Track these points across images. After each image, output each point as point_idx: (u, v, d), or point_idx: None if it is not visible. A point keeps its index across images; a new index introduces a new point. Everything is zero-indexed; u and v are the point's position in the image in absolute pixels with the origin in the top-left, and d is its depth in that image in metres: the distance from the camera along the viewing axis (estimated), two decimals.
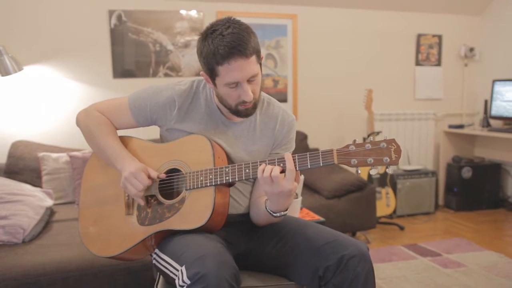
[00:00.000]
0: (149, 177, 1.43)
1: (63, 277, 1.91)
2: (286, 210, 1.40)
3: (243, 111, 1.42)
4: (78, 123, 1.59)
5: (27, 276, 1.87)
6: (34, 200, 2.37)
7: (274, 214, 1.39)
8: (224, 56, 1.29)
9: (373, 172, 1.27)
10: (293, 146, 1.60)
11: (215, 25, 1.34)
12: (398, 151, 1.22)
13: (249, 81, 1.36)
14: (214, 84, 1.39)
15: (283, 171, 1.29)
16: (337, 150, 1.26)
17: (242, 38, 1.30)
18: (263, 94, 1.57)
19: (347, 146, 1.26)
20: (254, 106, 1.43)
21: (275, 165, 1.30)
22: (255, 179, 1.52)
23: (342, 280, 1.31)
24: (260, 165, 1.32)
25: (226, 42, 1.29)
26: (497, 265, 2.85)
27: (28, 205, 2.28)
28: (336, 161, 1.26)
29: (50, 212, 2.58)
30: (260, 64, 1.40)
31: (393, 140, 1.23)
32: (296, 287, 1.46)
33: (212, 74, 1.36)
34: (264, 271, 1.50)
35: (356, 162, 1.25)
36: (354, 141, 1.27)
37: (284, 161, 1.29)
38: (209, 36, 1.33)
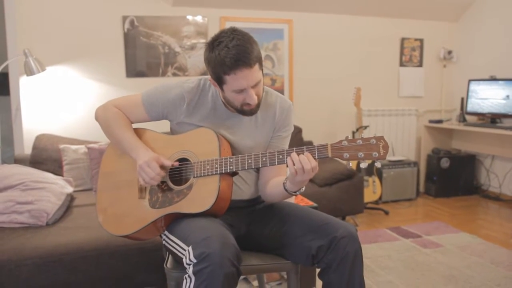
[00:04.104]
0: (163, 165, 1.43)
1: (83, 256, 1.91)
2: (303, 187, 1.38)
3: (248, 111, 1.41)
4: (96, 117, 1.58)
5: (51, 255, 1.87)
6: (56, 187, 2.36)
7: (295, 193, 1.39)
8: (231, 67, 1.28)
9: (363, 165, 1.27)
10: (292, 128, 1.59)
11: (220, 36, 1.32)
12: (386, 147, 1.22)
13: (253, 86, 1.35)
14: (222, 89, 1.38)
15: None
16: (331, 145, 1.26)
17: (246, 49, 1.28)
18: None
19: (340, 141, 1.26)
20: (258, 105, 1.43)
21: (275, 158, 1.31)
22: (258, 168, 1.53)
23: (333, 258, 1.32)
24: (261, 158, 1.33)
25: (232, 55, 1.27)
26: (470, 245, 2.87)
27: (51, 192, 2.28)
28: (330, 155, 1.26)
29: (71, 198, 2.58)
30: (262, 69, 1.39)
31: (382, 137, 1.23)
32: (291, 266, 1.47)
33: (219, 81, 1.35)
34: (263, 251, 1.51)
35: (348, 156, 1.24)
36: (347, 137, 1.27)
37: (283, 153, 1.31)
38: (215, 47, 1.31)
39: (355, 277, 1.32)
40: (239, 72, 1.29)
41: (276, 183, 1.46)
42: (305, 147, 1.29)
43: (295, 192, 1.38)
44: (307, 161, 1.25)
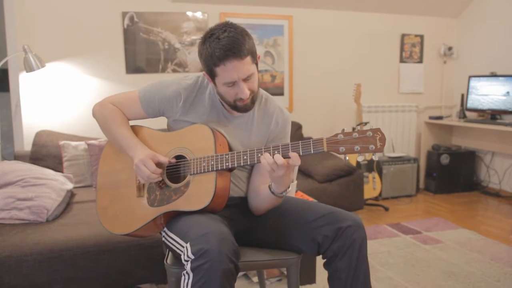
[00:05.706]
0: (159, 162, 1.42)
1: (83, 252, 1.91)
2: (289, 187, 1.37)
3: (242, 106, 1.40)
4: (94, 114, 1.58)
5: (52, 251, 1.87)
6: (56, 183, 2.36)
7: (280, 195, 1.37)
8: (220, 58, 1.28)
9: (360, 159, 1.24)
10: (288, 140, 1.57)
11: (213, 29, 1.32)
12: (383, 139, 1.20)
13: (245, 80, 1.34)
14: (214, 83, 1.38)
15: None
16: (326, 139, 1.24)
17: (236, 41, 1.28)
18: (262, 91, 1.55)
19: (336, 135, 1.23)
20: (252, 101, 1.41)
21: (270, 153, 1.28)
22: (252, 166, 1.51)
23: (340, 246, 1.32)
24: (256, 154, 1.31)
25: (221, 45, 1.27)
26: (470, 241, 2.86)
27: (51, 188, 2.28)
28: (325, 149, 1.24)
29: (71, 194, 2.58)
30: (256, 64, 1.38)
31: (378, 129, 1.20)
32: (292, 261, 1.45)
33: (211, 74, 1.35)
34: (265, 246, 1.50)
35: (344, 149, 1.22)
36: (343, 130, 1.24)
37: (278, 148, 1.29)
38: (207, 40, 1.31)
39: (362, 263, 1.34)
40: (228, 63, 1.28)
41: (262, 190, 1.45)
42: (300, 141, 1.27)
43: (281, 193, 1.36)
44: (279, 156, 1.25)
